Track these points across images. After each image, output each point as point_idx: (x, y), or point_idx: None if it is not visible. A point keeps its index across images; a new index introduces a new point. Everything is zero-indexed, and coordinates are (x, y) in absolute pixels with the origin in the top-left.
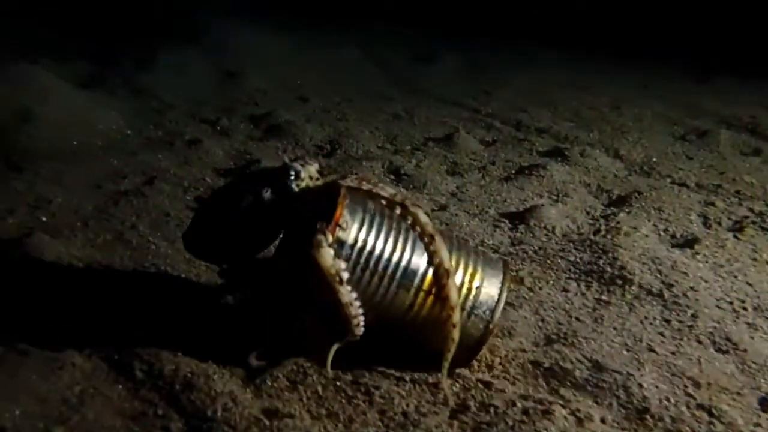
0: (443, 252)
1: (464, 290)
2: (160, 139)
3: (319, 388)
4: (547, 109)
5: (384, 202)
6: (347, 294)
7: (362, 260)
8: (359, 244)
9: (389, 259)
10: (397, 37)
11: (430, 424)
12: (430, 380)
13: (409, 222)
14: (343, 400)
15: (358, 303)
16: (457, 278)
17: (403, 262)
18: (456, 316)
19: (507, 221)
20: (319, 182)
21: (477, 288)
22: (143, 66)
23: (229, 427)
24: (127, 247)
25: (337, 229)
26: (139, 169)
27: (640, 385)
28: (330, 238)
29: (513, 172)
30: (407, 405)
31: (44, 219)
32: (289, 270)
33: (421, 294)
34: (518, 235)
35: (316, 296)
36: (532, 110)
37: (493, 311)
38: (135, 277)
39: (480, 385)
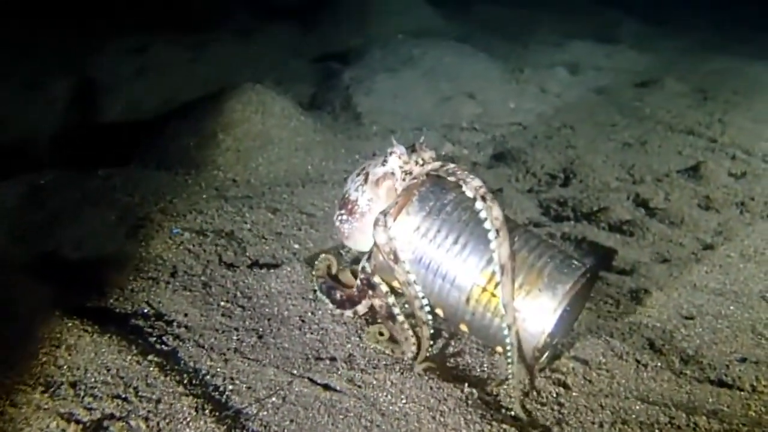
0: (504, 248)
1: (522, 292)
2: None
3: None
4: None
5: (470, 194)
6: (403, 273)
7: (424, 247)
8: (421, 231)
9: (450, 250)
10: (607, 59)
11: None
12: None
13: (484, 216)
14: None
15: (418, 287)
16: (519, 279)
17: (464, 255)
18: (509, 317)
19: None
20: (421, 167)
21: (537, 291)
22: (362, 89)
23: None
24: None
25: (402, 213)
26: None
27: None
28: (390, 221)
29: None
30: None
31: (297, 246)
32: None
33: (477, 288)
34: None
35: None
36: None
37: (545, 319)
38: None
39: None
